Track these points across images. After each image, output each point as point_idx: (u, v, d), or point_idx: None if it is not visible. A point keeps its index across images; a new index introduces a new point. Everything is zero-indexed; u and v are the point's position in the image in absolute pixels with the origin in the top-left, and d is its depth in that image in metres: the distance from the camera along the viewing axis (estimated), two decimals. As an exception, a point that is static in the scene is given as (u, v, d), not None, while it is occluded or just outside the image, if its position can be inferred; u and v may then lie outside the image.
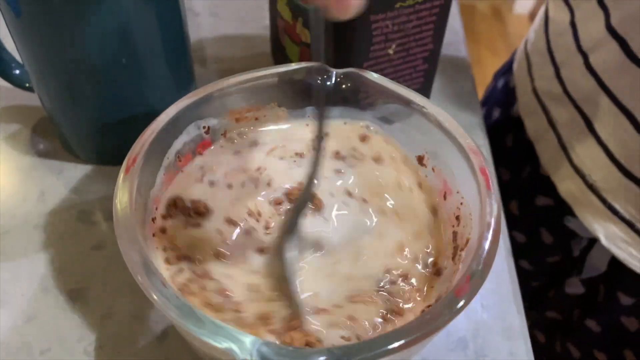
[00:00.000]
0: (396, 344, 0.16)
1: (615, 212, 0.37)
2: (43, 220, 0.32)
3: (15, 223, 0.31)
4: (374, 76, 0.25)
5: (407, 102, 0.24)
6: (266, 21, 0.41)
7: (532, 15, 1.90)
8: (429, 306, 0.20)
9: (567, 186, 0.40)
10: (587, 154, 0.38)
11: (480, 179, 0.20)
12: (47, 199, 0.33)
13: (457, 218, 0.22)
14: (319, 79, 0.25)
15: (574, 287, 0.45)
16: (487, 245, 0.18)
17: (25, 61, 0.31)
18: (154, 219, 0.21)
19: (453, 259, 0.21)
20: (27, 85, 0.35)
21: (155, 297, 0.17)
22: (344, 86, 0.25)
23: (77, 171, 0.34)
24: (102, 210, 0.32)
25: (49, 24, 0.27)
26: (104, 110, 0.32)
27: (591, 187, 0.38)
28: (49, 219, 0.32)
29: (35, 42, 0.29)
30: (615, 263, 0.41)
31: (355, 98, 0.26)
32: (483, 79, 0.72)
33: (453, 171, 0.23)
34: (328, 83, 0.25)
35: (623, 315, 0.42)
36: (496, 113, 0.51)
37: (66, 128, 0.34)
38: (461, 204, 0.22)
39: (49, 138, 0.36)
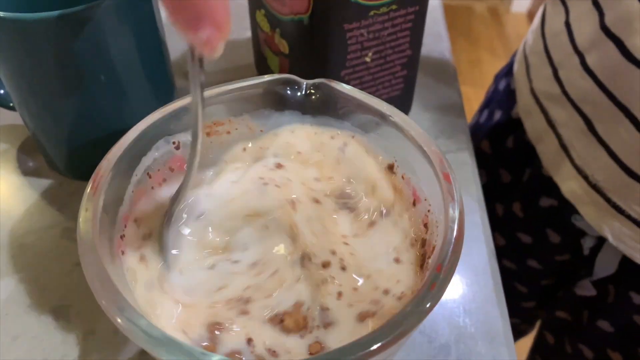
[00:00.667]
0: (359, 354, 0.16)
1: (620, 210, 0.37)
2: (28, 239, 0.32)
3: (0, 242, 0.32)
4: (344, 87, 0.25)
5: (376, 112, 0.24)
6: (249, 33, 0.41)
7: (530, 14, 1.90)
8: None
9: (570, 186, 0.40)
10: (588, 154, 0.38)
11: (443, 184, 0.20)
12: (32, 217, 0.33)
13: (426, 226, 0.22)
14: (288, 90, 0.25)
15: (585, 289, 0.45)
16: (449, 252, 0.18)
17: (5, 81, 0.31)
18: (122, 237, 0.21)
19: (421, 267, 0.21)
20: (11, 104, 0.35)
21: (119, 321, 0.17)
22: (314, 97, 0.26)
23: (62, 189, 0.35)
24: (86, 227, 0.32)
25: (25, 48, 0.28)
26: (86, 128, 0.32)
27: (594, 187, 0.38)
28: (34, 237, 0.32)
29: (13, 64, 0.29)
30: (625, 263, 0.41)
31: (326, 108, 0.26)
32: (482, 81, 0.71)
33: (420, 178, 0.23)
34: (298, 94, 0.25)
35: (636, 315, 0.42)
36: (497, 115, 0.51)
37: (49, 146, 0.34)
38: (428, 211, 0.22)
39: (35, 156, 0.36)
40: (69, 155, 0.34)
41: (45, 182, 0.35)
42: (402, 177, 0.24)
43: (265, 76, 0.26)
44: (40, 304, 0.29)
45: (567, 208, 0.42)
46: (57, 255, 0.31)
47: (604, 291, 0.44)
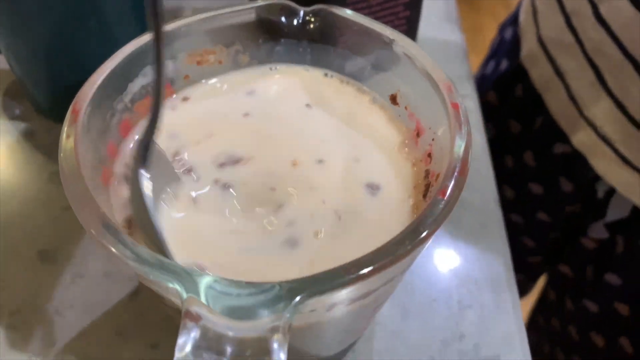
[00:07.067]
0: (355, 274, 0.15)
1: (628, 162, 0.36)
2: (15, 182, 0.31)
3: (-15, 186, 0.30)
4: (346, 12, 0.23)
5: (381, 39, 0.22)
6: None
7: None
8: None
9: (580, 137, 0.40)
10: (597, 106, 0.37)
11: (450, 112, 0.19)
12: (18, 161, 0.32)
13: (429, 155, 0.21)
14: (283, 18, 0.24)
15: (598, 232, 0.44)
16: (454, 176, 0.17)
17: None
18: (106, 167, 0.20)
19: (424, 196, 0.20)
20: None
21: (108, 245, 0.16)
22: (312, 26, 0.24)
23: (49, 133, 0.33)
24: (74, 171, 0.31)
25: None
26: (74, 71, 0.31)
27: (603, 138, 0.37)
28: (21, 181, 0.31)
29: (1, 7, 0.27)
30: (637, 211, 0.40)
31: (325, 38, 0.24)
32: (483, 46, 0.69)
33: (425, 106, 0.21)
34: (295, 22, 0.24)
35: None
36: (504, 64, 0.49)
37: (36, 90, 0.33)
38: (433, 139, 0.21)
39: (20, 101, 0.35)
40: (55, 99, 0.33)
41: (31, 127, 0.34)
42: (406, 108, 0.23)
43: (259, 1, 0.24)
44: (27, 247, 0.28)
45: (581, 154, 0.41)
46: (45, 200, 0.30)
47: (612, 243, 0.43)
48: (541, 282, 0.58)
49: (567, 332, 0.49)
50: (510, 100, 0.48)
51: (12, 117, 0.34)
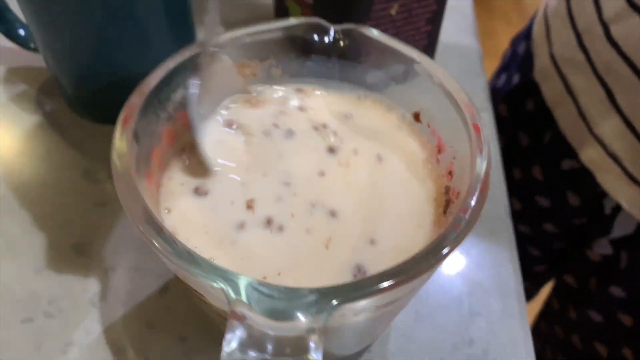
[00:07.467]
0: (385, 284, 0.16)
1: (635, 180, 0.37)
2: (49, 178, 0.32)
3: (23, 180, 0.32)
4: (373, 33, 0.25)
5: (407, 59, 0.24)
6: (269, -17, 0.40)
7: (548, -15, 1.86)
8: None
9: (589, 154, 0.41)
10: (607, 124, 0.38)
11: (472, 132, 0.20)
12: (52, 157, 0.33)
13: (450, 173, 0.22)
14: (316, 36, 0.25)
15: (602, 247, 0.46)
16: (475, 195, 0.18)
17: (29, 21, 0.31)
18: (150, 170, 0.21)
19: (445, 212, 0.21)
20: (32, 46, 0.35)
21: (156, 243, 0.17)
22: (342, 43, 0.25)
23: (81, 131, 0.35)
24: (105, 169, 0.33)
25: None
26: (108, 69, 0.32)
27: (612, 155, 0.38)
28: (55, 177, 0.32)
29: (38, 2, 0.29)
30: None
31: (353, 56, 0.26)
32: (497, 52, 0.70)
33: (446, 125, 0.23)
34: (326, 40, 0.25)
35: None
36: (516, 78, 0.51)
37: (71, 88, 0.34)
38: (454, 157, 0.22)
39: (54, 98, 0.37)
40: (89, 97, 0.34)
41: (65, 124, 0.35)
42: (428, 126, 0.24)
43: (292, 19, 0.25)
44: (61, 240, 0.30)
45: (589, 170, 0.42)
46: (78, 195, 0.32)
47: (616, 258, 0.44)
48: (545, 289, 0.60)
49: (570, 341, 0.51)
50: (521, 113, 0.49)
51: (46, 114, 0.36)
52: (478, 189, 0.18)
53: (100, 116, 0.35)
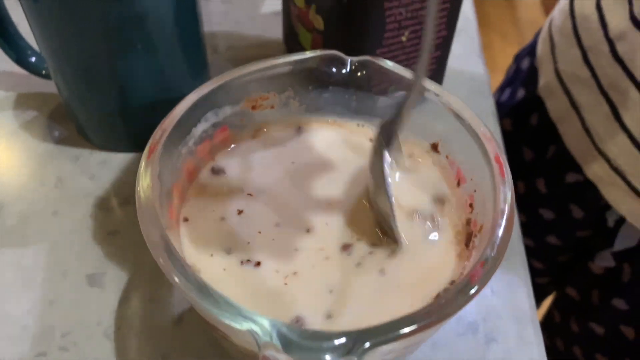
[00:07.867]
0: (410, 328, 0.16)
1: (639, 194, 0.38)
2: (61, 207, 0.32)
3: (34, 209, 0.32)
4: (388, 64, 0.25)
5: (424, 91, 0.24)
6: (279, 7, 0.41)
7: (543, -1, 1.88)
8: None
9: (593, 169, 0.41)
10: (612, 140, 0.38)
11: (494, 166, 0.20)
12: (64, 185, 0.33)
13: (471, 205, 0.22)
14: (333, 68, 0.25)
15: (605, 260, 0.46)
16: (500, 232, 0.18)
17: (42, 48, 0.31)
18: (172, 203, 0.21)
19: (467, 245, 0.21)
20: (43, 72, 0.35)
21: (176, 279, 0.17)
22: (359, 74, 0.26)
23: (92, 158, 0.35)
24: (117, 197, 0.33)
25: (65, 10, 0.28)
26: (119, 97, 0.32)
27: (616, 170, 0.39)
28: (67, 205, 0.32)
29: (52, 28, 0.29)
30: None
31: (369, 86, 0.26)
32: (493, 65, 0.71)
33: (467, 158, 0.23)
34: (343, 71, 0.25)
35: None
36: (520, 93, 0.51)
37: (82, 115, 0.34)
38: (475, 191, 0.22)
39: (65, 125, 0.36)
40: (101, 125, 0.34)
41: (75, 151, 0.35)
42: (447, 157, 0.24)
43: (308, 52, 0.26)
44: (75, 271, 0.29)
45: (593, 183, 0.42)
46: (90, 224, 0.31)
47: (619, 270, 0.44)
48: (545, 302, 0.60)
49: (571, 353, 0.51)
50: (525, 128, 0.50)
51: (57, 140, 0.36)
52: (504, 225, 0.19)
53: (112, 143, 0.35)
